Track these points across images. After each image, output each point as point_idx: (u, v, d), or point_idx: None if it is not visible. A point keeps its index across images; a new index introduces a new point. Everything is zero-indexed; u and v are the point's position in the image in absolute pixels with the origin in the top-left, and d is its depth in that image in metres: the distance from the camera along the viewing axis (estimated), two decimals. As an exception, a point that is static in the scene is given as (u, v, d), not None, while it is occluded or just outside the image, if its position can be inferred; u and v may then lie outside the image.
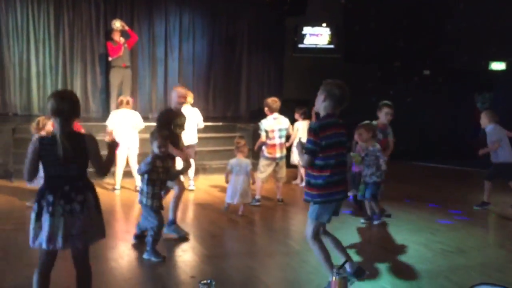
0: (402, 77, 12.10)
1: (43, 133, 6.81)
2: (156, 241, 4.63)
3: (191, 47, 11.72)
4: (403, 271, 4.56)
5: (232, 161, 6.47)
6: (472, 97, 11.21)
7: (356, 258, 4.64)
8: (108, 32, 10.27)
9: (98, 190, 3.37)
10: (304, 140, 3.91)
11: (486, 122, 7.05)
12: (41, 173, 3.19)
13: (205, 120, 8.44)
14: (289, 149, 7.79)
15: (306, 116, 8.17)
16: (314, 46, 12.45)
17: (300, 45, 12.41)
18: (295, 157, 7.86)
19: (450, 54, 11.46)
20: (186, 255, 4.85)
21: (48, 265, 3.18)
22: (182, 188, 5.50)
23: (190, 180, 7.92)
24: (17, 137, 8.31)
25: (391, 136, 6.45)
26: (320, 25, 12.41)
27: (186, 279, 4.24)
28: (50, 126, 6.90)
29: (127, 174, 7.78)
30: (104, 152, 3.25)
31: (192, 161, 7.76)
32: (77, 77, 10.56)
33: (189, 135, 7.40)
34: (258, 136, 7.29)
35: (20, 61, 10.09)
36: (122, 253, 4.82)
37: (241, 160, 6.45)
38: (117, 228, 5.84)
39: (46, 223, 3.04)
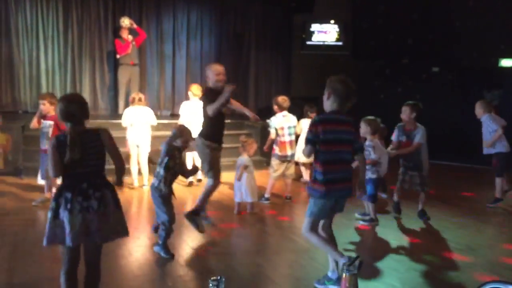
0: (411, 74, 12.04)
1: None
2: (168, 235, 4.67)
3: (199, 44, 11.72)
4: (412, 269, 4.55)
5: (238, 159, 6.50)
6: (481, 94, 11.11)
7: (364, 254, 4.64)
8: (116, 30, 10.31)
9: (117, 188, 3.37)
10: None
11: (481, 113, 6.99)
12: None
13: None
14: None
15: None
16: (322, 43, 12.42)
17: (308, 42, 12.38)
18: (300, 155, 7.86)
19: (459, 51, 11.38)
20: (195, 252, 4.87)
21: (73, 262, 3.17)
22: (217, 183, 5.38)
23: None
24: (26, 135, 8.36)
25: (418, 139, 6.00)
26: (328, 22, 12.38)
27: (194, 276, 4.26)
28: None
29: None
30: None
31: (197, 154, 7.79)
32: (85, 74, 10.60)
33: (196, 128, 7.44)
34: (266, 133, 7.29)
35: (29, 58, 10.14)
36: (131, 250, 4.84)
37: (240, 158, 6.46)
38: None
39: (65, 220, 3.03)
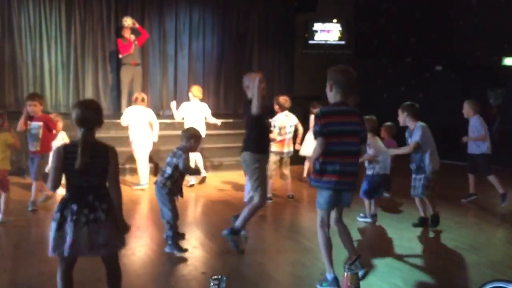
0: (414, 73, 12.01)
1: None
2: (175, 233, 4.71)
3: (201, 44, 11.72)
4: (414, 268, 4.54)
5: None
6: (484, 93, 11.08)
7: (367, 253, 4.63)
8: (119, 29, 10.32)
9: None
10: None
11: (471, 113, 7.05)
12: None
13: (216, 116, 8.47)
14: (299, 142, 7.85)
15: None
16: (324, 42, 12.41)
17: (311, 41, 12.38)
18: (308, 150, 7.94)
19: (462, 50, 11.35)
20: (197, 252, 4.87)
21: (69, 263, 3.18)
22: (263, 200, 4.88)
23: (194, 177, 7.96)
24: (29, 134, 8.36)
25: (414, 138, 5.69)
26: (331, 21, 12.37)
27: (197, 275, 4.26)
28: (61, 124, 6.96)
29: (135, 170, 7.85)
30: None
31: (199, 155, 7.80)
32: (88, 74, 10.61)
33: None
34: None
35: (32, 59, 10.16)
36: (134, 249, 4.84)
37: None
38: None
39: (69, 231, 3.01)
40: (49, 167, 5.22)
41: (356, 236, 5.49)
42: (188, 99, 8.23)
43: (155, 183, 4.83)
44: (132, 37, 9.93)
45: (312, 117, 8.05)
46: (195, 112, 7.95)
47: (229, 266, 4.47)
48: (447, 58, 11.64)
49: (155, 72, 11.24)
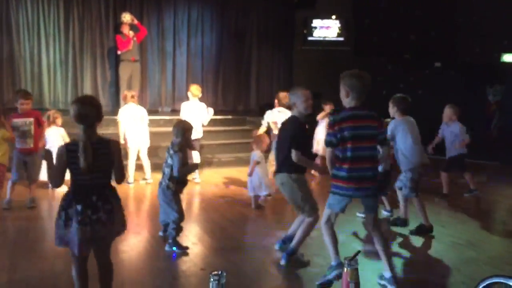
0: (413, 70, 12.00)
1: (53, 126, 6.85)
2: (178, 233, 4.72)
3: (200, 41, 11.72)
4: (413, 264, 4.55)
5: (251, 154, 6.57)
6: (483, 90, 11.08)
7: (365, 249, 4.64)
8: (117, 26, 10.30)
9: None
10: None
11: (454, 118, 7.04)
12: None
13: (215, 113, 8.44)
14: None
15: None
16: (323, 38, 12.40)
17: (310, 38, 12.36)
18: (318, 147, 7.99)
19: (461, 47, 11.34)
20: (196, 248, 4.87)
21: (82, 260, 3.20)
22: (316, 218, 4.40)
23: (195, 172, 7.95)
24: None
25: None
26: (330, 18, 12.35)
27: (196, 271, 4.26)
28: (60, 120, 6.95)
29: (138, 167, 7.83)
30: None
31: (197, 154, 7.80)
32: (87, 71, 10.61)
33: (195, 129, 7.46)
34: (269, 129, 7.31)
35: (31, 55, 10.15)
36: (133, 245, 4.85)
37: (253, 153, 6.50)
38: (128, 221, 5.85)
39: (75, 231, 3.02)
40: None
41: (351, 230, 5.51)
42: (186, 97, 8.21)
43: (159, 185, 4.82)
44: (131, 33, 9.91)
45: (320, 114, 8.06)
46: (194, 111, 7.93)
47: (228, 263, 4.48)
48: (446, 54, 11.63)
49: (154, 69, 11.24)
